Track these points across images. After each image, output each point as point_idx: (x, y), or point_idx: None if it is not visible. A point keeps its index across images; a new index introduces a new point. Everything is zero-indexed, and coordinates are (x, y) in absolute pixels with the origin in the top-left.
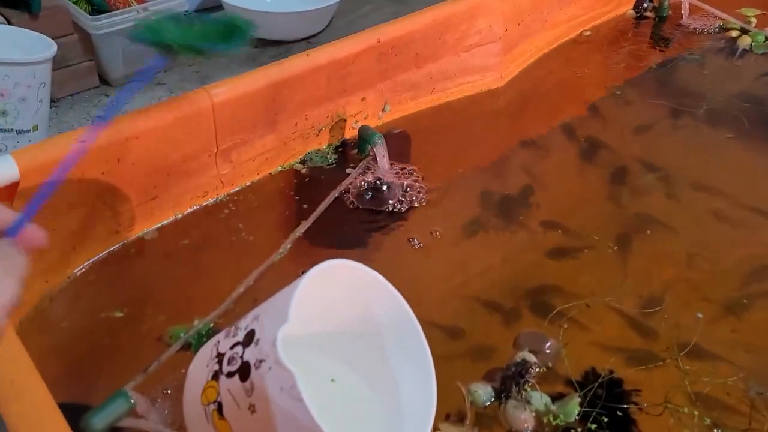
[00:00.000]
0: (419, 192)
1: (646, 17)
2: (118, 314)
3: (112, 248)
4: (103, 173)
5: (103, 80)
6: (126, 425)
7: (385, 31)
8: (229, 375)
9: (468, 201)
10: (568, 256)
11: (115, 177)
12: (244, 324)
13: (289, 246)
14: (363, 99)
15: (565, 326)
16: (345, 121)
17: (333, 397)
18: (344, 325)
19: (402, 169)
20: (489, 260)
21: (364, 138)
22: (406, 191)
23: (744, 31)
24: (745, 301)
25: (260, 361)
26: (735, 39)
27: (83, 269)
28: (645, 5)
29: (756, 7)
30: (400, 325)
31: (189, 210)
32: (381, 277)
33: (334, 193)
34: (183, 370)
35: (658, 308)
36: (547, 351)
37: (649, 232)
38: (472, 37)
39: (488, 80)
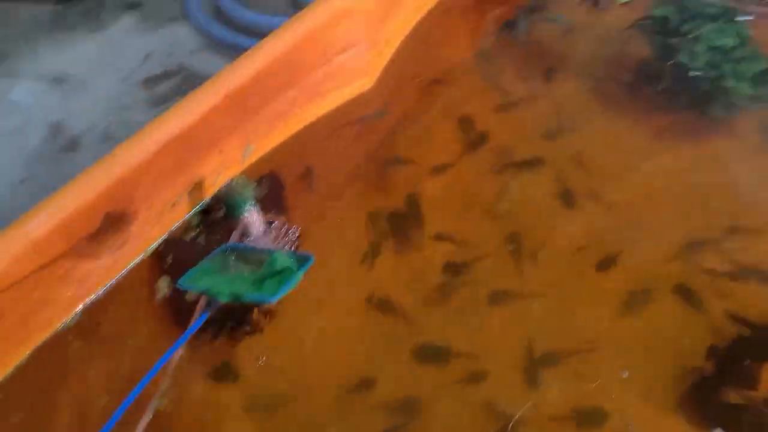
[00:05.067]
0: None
1: None
2: None
3: None
4: None
5: None
6: None
7: (230, 81)
8: None
9: (357, 227)
10: (463, 273)
11: None
12: None
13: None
14: (220, 152)
15: None
16: (202, 182)
17: None
18: None
19: (279, 228)
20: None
21: (231, 206)
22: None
23: None
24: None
25: None
26: None
27: None
28: None
29: None
30: None
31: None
32: None
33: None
34: None
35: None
36: None
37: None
38: (335, 46)
39: (356, 85)
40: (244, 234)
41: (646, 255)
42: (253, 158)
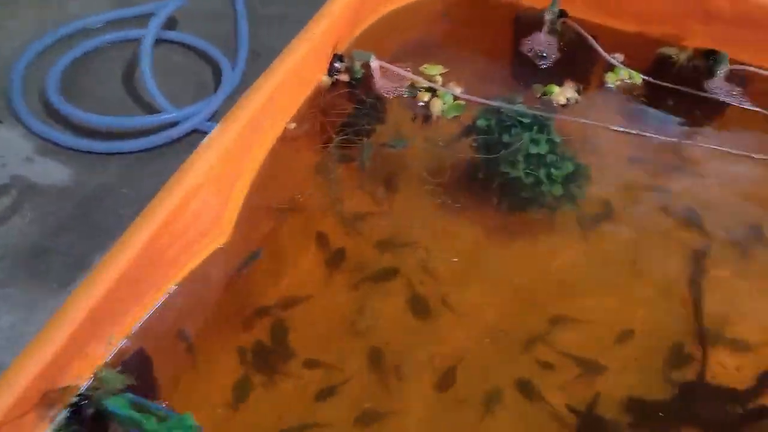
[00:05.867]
0: None
1: (341, 81)
2: None
3: None
4: None
5: None
6: None
7: (86, 303)
8: None
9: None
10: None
11: None
12: None
13: None
14: (85, 356)
15: None
16: (67, 390)
17: None
18: None
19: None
20: None
21: (104, 409)
22: None
23: (432, 91)
24: None
25: None
26: (428, 104)
27: None
28: (337, 66)
29: (438, 64)
30: None
31: None
32: None
33: None
34: None
35: None
36: None
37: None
38: (190, 222)
39: (213, 241)
40: None
41: (493, 356)
42: (115, 342)
